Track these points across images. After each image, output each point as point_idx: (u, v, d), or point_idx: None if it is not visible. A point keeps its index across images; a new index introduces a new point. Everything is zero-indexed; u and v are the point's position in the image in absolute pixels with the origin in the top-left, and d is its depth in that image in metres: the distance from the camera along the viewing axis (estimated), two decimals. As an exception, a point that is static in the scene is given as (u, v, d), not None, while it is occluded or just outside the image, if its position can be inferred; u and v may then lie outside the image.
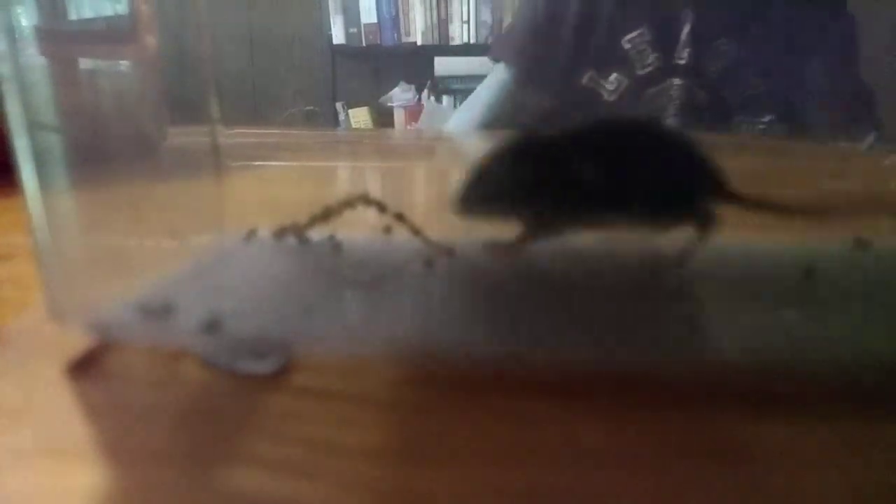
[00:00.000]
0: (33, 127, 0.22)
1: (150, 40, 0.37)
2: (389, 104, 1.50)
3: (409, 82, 1.58)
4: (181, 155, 0.38)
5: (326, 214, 0.27)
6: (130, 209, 0.26)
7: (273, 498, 0.14)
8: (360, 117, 1.47)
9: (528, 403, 0.17)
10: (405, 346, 0.19)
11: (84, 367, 0.19)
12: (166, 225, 0.28)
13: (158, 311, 0.20)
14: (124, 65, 0.34)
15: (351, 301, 0.21)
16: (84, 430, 0.16)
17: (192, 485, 0.14)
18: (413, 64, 1.59)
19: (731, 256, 0.27)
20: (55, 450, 0.16)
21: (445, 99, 1.57)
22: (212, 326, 0.19)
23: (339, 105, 1.44)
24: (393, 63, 1.62)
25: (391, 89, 1.55)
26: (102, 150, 0.27)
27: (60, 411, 0.17)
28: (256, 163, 0.53)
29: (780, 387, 0.18)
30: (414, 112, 1.50)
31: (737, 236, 0.29)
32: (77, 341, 0.20)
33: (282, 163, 0.56)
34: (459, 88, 1.51)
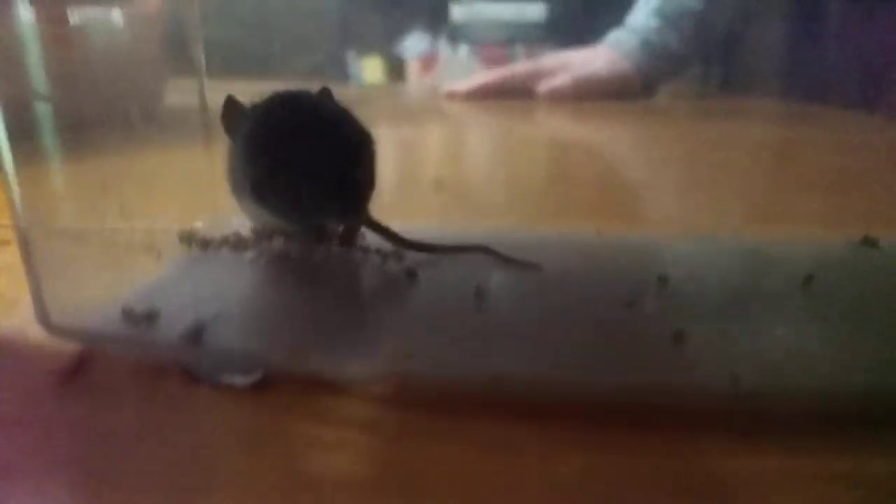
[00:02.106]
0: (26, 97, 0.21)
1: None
2: (402, 55, 1.47)
3: (424, 31, 1.54)
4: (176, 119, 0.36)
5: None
6: (118, 191, 0.25)
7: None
8: (373, 68, 1.44)
9: (508, 430, 0.17)
10: (383, 366, 0.19)
11: (71, 376, 0.19)
12: (156, 209, 0.27)
13: (142, 319, 0.20)
14: (117, 16, 0.32)
15: (330, 314, 0.21)
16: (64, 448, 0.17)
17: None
18: (428, 10, 1.55)
19: (728, 253, 0.26)
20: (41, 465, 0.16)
21: (463, 48, 1.53)
22: (194, 338, 0.19)
23: (349, 55, 1.40)
24: (407, 8, 1.57)
25: (404, 38, 1.51)
26: (98, 117, 0.26)
27: (44, 425, 0.17)
28: None
29: (764, 414, 0.18)
30: (429, 63, 1.46)
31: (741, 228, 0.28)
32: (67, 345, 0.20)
33: None
34: (478, 37, 1.47)
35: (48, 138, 0.23)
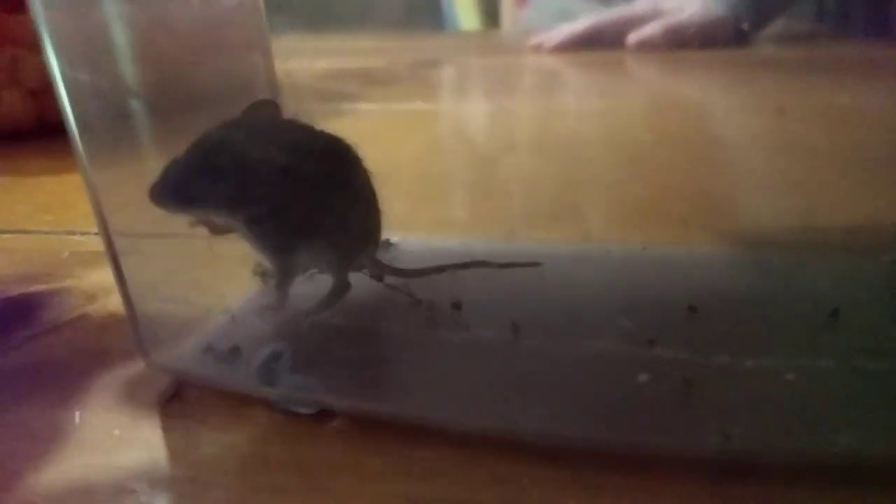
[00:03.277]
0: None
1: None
2: (497, -13, 1.42)
3: (519, -42, 1.48)
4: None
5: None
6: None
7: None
8: (466, 4, 1.41)
9: (514, 469, 0.19)
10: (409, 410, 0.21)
11: (171, 400, 0.23)
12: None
13: (223, 356, 0.23)
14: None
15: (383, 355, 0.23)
16: (161, 470, 0.21)
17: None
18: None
19: (745, 275, 0.26)
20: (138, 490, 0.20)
21: (559, -25, 1.46)
22: (266, 373, 0.23)
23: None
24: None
25: (500, -32, 1.46)
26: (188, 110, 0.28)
27: (147, 449, 0.21)
28: (338, 105, 0.44)
29: (776, 473, 0.19)
30: (524, -6, 1.41)
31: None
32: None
33: (368, 105, 0.52)
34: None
35: (139, 139, 0.26)
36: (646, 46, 0.66)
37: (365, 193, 0.25)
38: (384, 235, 0.27)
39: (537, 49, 0.72)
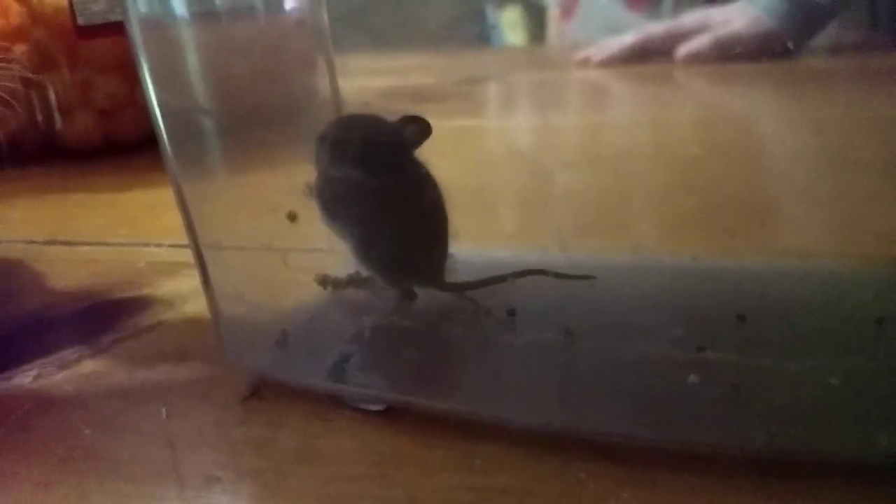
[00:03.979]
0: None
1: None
2: (542, 2, 1.44)
3: (563, -27, 1.49)
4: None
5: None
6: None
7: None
8: (512, 20, 1.42)
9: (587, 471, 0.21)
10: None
11: (249, 399, 0.25)
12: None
13: (299, 357, 0.25)
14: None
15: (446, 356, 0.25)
16: (243, 464, 0.22)
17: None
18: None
19: (791, 285, 0.27)
20: (223, 482, 0.22)
21: (603, -11, 1.47)
22: (337, 373, 0.25)
23: (487, 7, 1.39)
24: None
25: (544, -17, 1.48)
26: (257, 125, 0.30)
27: (230, 444, 0.23)
28: None
29: (819, 470, 0.20)
30: (570, 7, 1.42)
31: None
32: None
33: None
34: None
35: (212, 153, 0.29)
36: (695, 59, 0.66)
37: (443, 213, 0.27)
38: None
39: (584, 63, 0.72)
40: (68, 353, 0.30)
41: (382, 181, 0.25)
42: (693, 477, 0.20)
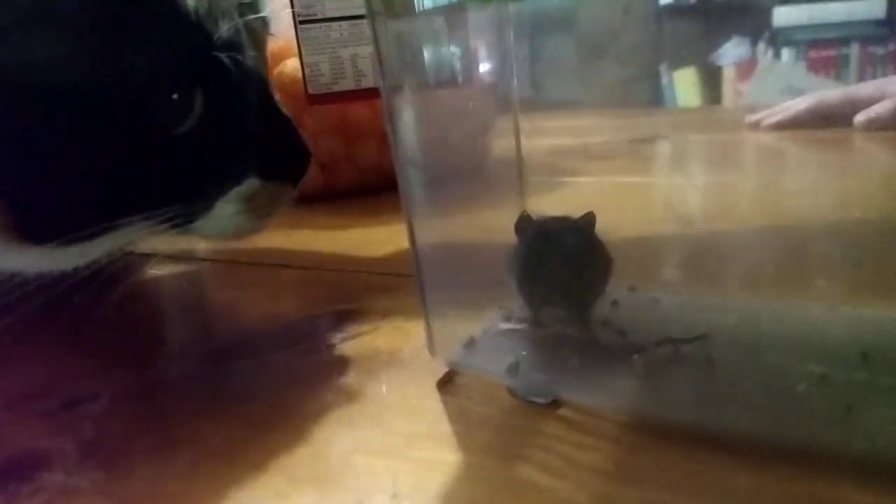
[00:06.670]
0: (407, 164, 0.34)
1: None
2: (717, 63, 1.45)
3: (741, 35, 1.50)
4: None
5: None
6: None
7: (539, 486, 0.26)
8: (686, 81, 1.45)
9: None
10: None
11: (445, 384, 0.33)
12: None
13: (482, 356, 0.33)
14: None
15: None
16: (443, 427, 0.30)
17: (495, 469, 0.27)
18: (748, 16, 1.50)
19: None
20: (429, 437, 0.30)
21: (786, 52, 1.45)
22: (512, 371, 0.32)
23: (662, 68, 1.44)
24: (726, 18, 1.54)
25: (720, 46, 1.49)
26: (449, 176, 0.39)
27: (433, 413, 0.31)
28: (560, 178, 0.54)
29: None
30: (746, 70, 1.42)
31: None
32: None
33: (587, 178, 0.57)
34: (804, 39, 1.38)
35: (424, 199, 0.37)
36: (874, 126, 0.66)
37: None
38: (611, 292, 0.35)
39: (755, 126, 0.74)
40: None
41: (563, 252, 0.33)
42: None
